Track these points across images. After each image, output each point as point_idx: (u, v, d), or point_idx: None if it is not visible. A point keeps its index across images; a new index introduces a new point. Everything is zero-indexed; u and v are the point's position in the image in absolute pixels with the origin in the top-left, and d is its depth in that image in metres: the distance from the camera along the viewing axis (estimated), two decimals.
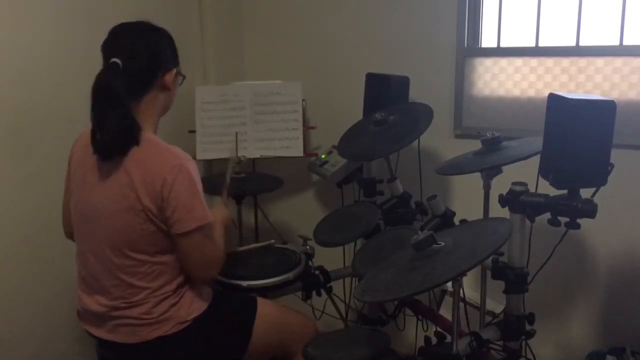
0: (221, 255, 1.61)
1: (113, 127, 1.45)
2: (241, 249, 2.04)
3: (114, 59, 1.46)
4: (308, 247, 2.06)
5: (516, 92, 2.31)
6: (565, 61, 2.19)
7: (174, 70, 1.58)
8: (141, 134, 1.50)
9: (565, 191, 1.51)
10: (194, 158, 2.19)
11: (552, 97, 1.53)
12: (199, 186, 1.51)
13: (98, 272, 1.55)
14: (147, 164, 1.47)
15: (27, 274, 2.07)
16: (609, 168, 1.45)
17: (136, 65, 1.49)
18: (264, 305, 1.74)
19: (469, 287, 2.23)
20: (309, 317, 1.90)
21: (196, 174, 1.51)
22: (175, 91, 1.62)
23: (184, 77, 1.64)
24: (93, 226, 1.54)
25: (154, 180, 1.46)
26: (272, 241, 2.07)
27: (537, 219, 1.59)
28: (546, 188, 1.56)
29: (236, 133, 2.42)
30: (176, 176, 1.46)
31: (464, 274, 1.28)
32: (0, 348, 2.01)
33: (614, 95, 2.10)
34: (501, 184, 1.70)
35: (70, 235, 1.70)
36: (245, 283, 1.88)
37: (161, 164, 1.47)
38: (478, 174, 1.80)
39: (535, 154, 1.63)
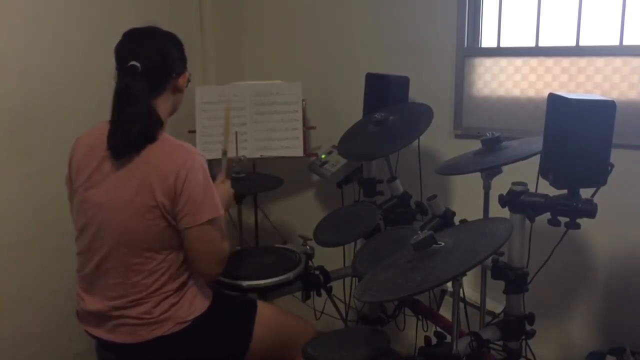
0: (228, 248, 1.62)
1: (134, 124, 1.48)
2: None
3: (133, 62, 1.49)
4: (308, 247, 2.06)
5: (516, 92, 2.31)
6: (565, 61, 2.19)
7: (187, 74, 1.64)
8: (161, 129, 1.53)
9: (565, 191, 1.51)
10: None
11: (552, 97, 1.53)
12: (210, 180, 1.54)
13: (101, 270, 1.55)
14: (160, 160, 1.50)
15: (27, 274, 2.07)
16: (609, 168, 1.45)
17: (153, 67, 1.53)
18: (264, 308, 1.75)
19: (469, 287, 2.23)
20: (308, 321, 1.90)
21: (207, 169, 1.54)
22: (184, 93, 1.66)
23: (189, 81, 1.68)
24: (99, 224, 1.54)
25: (167, 175, 1.48)
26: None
27: (537, 219, 1.59)
28: (546, 188, 1.56)
29: (236, 133, 2.42)
30: (189, 169, 1.49)
31: (463, 274, 1.28)
32: (1, 347, 2.01)
33: (614, 95, 2.10)
34: (501, 184, 1.70)
35: None
36: (245, 283, 1.88)
37: (174, 158, 1.50)
38: (478, 174, 1.80)
39: (535, 154, 1.63)
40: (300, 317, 1.88)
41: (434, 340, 1.59)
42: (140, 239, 1.51)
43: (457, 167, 1.90)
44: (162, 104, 1.58)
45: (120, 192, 1.51)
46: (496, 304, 2.06)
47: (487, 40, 2.41)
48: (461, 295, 1.85)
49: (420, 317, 2.17)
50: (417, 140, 2.18)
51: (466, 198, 2.25)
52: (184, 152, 1.52)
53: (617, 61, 2.09)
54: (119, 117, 1.51)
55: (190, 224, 1.50)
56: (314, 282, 2.05)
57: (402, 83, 2.30)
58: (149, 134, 1.51)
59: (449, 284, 1.76)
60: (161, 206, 1.48)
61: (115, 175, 1.51)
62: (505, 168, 1.75)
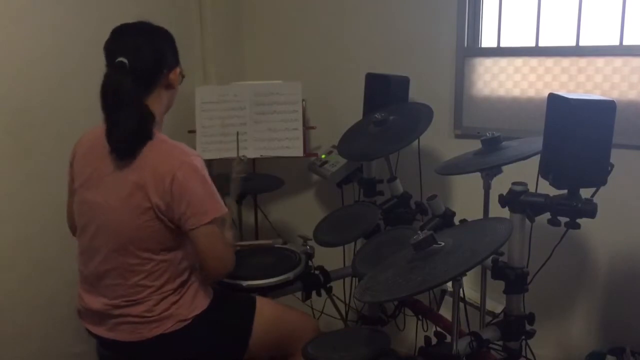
0: (230, 248, 1.63)
1: (127, 125, 1.47)
2: (241, 243, 2.06)
3: (120, 59, 1.47)
4: (308, 247, 2.06)
5: (516, 92, 2.31)
6: (565, 61, 2.19)
7: (178, 69, 1.61)
8: (154, 125, 1.52)
9: (565, 191, 1.51)
10: None
11: (552, 97, 1.53)
12: (209, 180, 1.53)
13: (101, 270, 1.55)
14: (156, 161, 1.49)
15: (27, 273, 2.07)
16: (609, 168, 1.45)
17: (142, 64, 1.51)
18: (263, 304, 1.75)
19: (469, 287, 2.23)
20: (309, 316, 1.90)
21: (204, 169, 1.54)
22: (177, 89, 1.64)
23: (184, 77, 1.66)
24: (98, 224, 1.55)
25: (163, 177, 1.47)
26: (271, 241, 2.10)
27: (537, 219, 1.59)
28: (546, 188, 1.56)
29: (237, 133, 2.43)
30: (186, 172, 1.48)
31: (464, 274, 1.28)
32: (1, 347, 2.01)
33: (614, 95, 2.10)
34: (501, 184, 1.70)
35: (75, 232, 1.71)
36: (245, 283, 1.88)
37: (170, 161, 1.49)
38: (478, 174, 1.80)
39: (535, 154, 1.63)
40: (302, 311, 1.88)
41: (434, 340, 1.60)
42: (137, 239, 1.51)
43: (457, 167, 1.90)
44: (155, 102, 1.56)
45: (116, 192, 1.50)
46: (496, 304, 2.07)
47: (487, 40, 2.41)
48: (461, 295, 1.85)
49: (420, 317, 2.17)
50: (417, 140, 2.18)
51: (466, 198, 2.25)
52: (180, 153, 1.51)
53: (617, 61, 2.09)
54: (114, 117, 1.48)
55: (196, 225, 1.50)
56: (314, 282, 2.05)
57: (402, 83, 2.30)
58: (146, 131, 1.50)
59: (449, 284, 1.76)
60: (155, 207, 1.48)
61: (113, 176, 1.51)
62: (505, 168, 1.75)
